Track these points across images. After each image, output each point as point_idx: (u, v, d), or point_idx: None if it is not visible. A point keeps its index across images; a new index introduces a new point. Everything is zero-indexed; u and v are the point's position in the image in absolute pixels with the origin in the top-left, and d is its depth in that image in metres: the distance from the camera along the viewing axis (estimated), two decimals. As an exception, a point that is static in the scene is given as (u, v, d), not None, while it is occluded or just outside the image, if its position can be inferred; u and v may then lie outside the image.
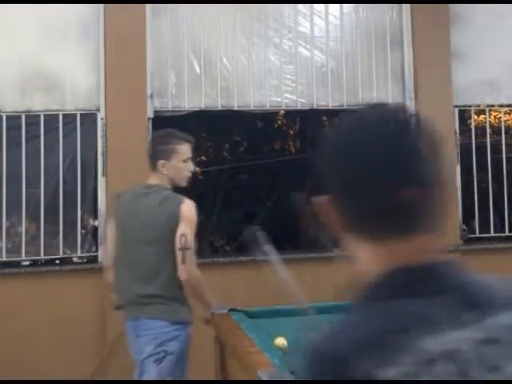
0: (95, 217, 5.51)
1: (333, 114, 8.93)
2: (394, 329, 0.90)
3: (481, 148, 6.10)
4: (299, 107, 5.87)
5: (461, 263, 1.02)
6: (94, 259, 5.41)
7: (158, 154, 3.65)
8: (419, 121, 1.13)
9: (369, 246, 1.00)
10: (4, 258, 5.34)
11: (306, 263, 5.72)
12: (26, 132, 5.40)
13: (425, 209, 1.01)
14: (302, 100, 5.81)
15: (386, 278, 0.98)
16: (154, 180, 3.66)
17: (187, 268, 3.46)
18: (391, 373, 0.80)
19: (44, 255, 5.38)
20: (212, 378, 3.65)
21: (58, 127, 5.43)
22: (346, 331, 0.95)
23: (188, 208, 3.52)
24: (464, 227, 5.90)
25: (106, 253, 3.89)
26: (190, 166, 3.74)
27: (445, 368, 0.77)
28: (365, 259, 1.02)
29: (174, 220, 3.46)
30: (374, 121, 1.06)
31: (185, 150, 3.69)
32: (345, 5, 5.93)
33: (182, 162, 3.67)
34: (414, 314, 0.93)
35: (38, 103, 5.42)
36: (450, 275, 0.99)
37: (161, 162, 3.62)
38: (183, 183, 3.74)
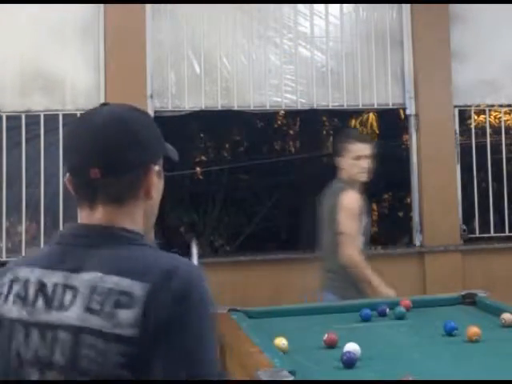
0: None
1: (333, 113, 8.98)
2: (22, 261, 1.42)
3: (481, 148, 6.10)
4: (299, 107, 5.87)
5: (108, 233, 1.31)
6: (94, 259, 5.41)
7: (335, 151, 4.27)
8: (112, 117, 1.37)
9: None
10: (4, 258, 5.34)
11: (305, 263, 5.71)
12: (26, 132, 5.40)
13: (102, 187, 1.31)
14: (302, 100, 5.81)
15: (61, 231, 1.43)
16: (339, 175, 4.18)
17: (342, 252, 3.91)
18: None
19: (44, 255, 5.38)
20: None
21: (58, 127, 5.43)
22: None
23: (345, 197, 3.99)
24: (464, 227, 5.90)
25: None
26: (363, 164, 4.04)
27: (17, 286, 1.29)
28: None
29: (335, 208, 3.98)
30: (80, 117, 1.47)
31: (355, 148, 4.05)
32: (345, 5, 5.93)
33: (353, 159, 4.03)
34: (40, 253, 1.39)
35: (38, 103, 5.42)
36: (80, 234, 1.34)
37: (338, 158, 4.15)
38: (359, 179, 4.09)
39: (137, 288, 1.19)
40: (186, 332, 1.18)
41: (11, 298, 1.30)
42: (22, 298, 1.28)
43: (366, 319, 3.54)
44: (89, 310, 1.20)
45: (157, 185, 1.38)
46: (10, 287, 1.31)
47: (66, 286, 1.25)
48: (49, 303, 1.25)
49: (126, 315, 1.17)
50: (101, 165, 1.30)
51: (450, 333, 3.14)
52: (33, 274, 1.30)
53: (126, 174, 1.32)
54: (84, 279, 1.23)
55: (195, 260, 2.04)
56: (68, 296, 1.24)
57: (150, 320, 1.17)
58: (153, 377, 1.16)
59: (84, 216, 1.36)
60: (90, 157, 1.31)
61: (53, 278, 1.27)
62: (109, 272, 1.22)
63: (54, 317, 1.23)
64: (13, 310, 1.28)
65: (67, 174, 1.36)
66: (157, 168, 1.38)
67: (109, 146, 1.31)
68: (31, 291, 1.28)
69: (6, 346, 1.27)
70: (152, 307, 1.17)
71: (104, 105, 1.43)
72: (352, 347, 2.78)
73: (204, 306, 1.23)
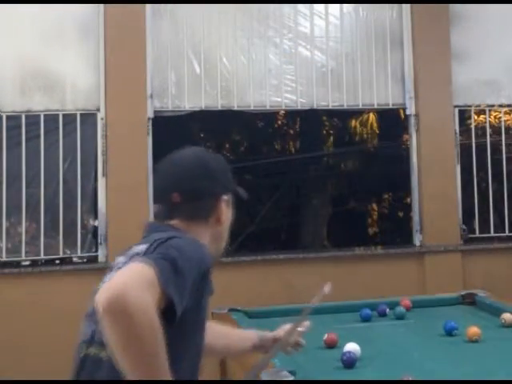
0: (95, 217, 5.51)
1: (333, 114, 8.98)
2: None
3: (481, 148, 6.09)
4: (299, 107, 5.87)
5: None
6: (94, 259, 5.41)
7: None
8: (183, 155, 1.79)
9: None
10: (4, 258, 5.33)
11: (306, 263, 5.72)
12: (26, 132, 5.39)
13: (181, 209, 1.69)
14: (302, 100, 5.81)
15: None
16: None
17: None
18: None
19: (44, 255, 5.38)
20: (212, 378, 3.64)
21: (58, 127, 5.43)
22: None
23: None
24: (464, 227, 5.90)
25: None
26: None
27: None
28: None
29: None
30: (169, 156, 1.82)
31: None
32: (345, 5, 5.93)
33: None
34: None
35: (38, 103, 5.42)
36: (150, 226, 1.74)
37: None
38: None
39: (143, 248, 1.57)
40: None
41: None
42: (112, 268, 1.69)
43: (366, 319, 3.55)
44: (123, 257, 1.65)
45: (226, 213, 1.75)
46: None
47: (130, 254, 1.63)
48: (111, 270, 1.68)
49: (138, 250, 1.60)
50: (181, 191, 1.68)
51: (449, 333, 3.14)
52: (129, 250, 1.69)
53: (200, 200, 1.70)
54: (132, 250, 1.64)
55: (317, 299, 2.10)
56: (121, 262, 1.64)
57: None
58: None
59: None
60: (174, 184, 1.70)
61: (121, 257, 1.67)
62: (143, 243, 1.61)
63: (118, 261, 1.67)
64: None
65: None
66: (226, 198, 1.75)
67: (188, 178, 1.70)
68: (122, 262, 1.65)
69: None
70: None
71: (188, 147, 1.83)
72: (352, 347, 2.79)
73: (181, 247, 1.52)
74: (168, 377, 1.41)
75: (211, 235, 1.73)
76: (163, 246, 1.52)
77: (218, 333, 2.08)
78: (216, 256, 1.79)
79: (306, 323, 2.14)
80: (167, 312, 1.44)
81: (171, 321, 1.44)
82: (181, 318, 1.47)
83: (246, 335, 2.18)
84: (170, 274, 1.43)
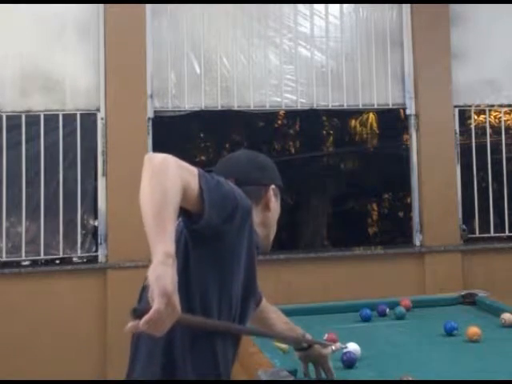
0: (95, 217, 5.51)
1: (333, 113, 8.97)
2: None
3: (481, 148, 6.10)
4: (299, 107, 5.87)
5: None
6: (94, 259, 5.41)
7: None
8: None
9: None
10: (4, 258, 5.34)
11: (305, 263, 5.72)
12: (26, 132, 5.40)
13: None
14: (302, 100, 5.81)
15: None
16: None
17: None
18: None
19: (44, 255, 5.38)
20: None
21: (58, 127, 5.43)
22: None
23: None
24: (464, 227, 5.90)
25: None
26: None
27: None
28: None
29: None
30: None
31: None
32: (345, 5, 5.93)
33: None
34: None
35: (38, 103, 5.42)
36: None
37: None
38: None
39: None
40: None
41: None
42: None
43: (366, 319, 3.54)
44: None
45: (274, 202, 1.94)
46: None
47: None
48: None
49: None
50: (236, 176, 1.86)
51: (450, 332, 3.14)
52: None
53: (252, 185, 1.90)
54: None
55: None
56: None
57: None
58: None
59: None
60: (229, 172, 1.87)
61: None
62: None
63: None
64: None
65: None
66: (274, 188, 1.95)
67: (242, 167, 1.94)
68: None
69: None
70: None
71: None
72: (352, 347, 2.78)
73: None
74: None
75: (260, 219, 1.90)
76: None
77: (277, 313, 2.40)
78: (264, 243, 1.95)
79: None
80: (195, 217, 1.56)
81: (195, 223, 1.56)
82: (213, 240, 1.61)
83: (294, 327, 2.41)
84: (211, 185, 1.58)
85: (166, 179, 1.46)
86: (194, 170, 1.57)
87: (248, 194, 1.78)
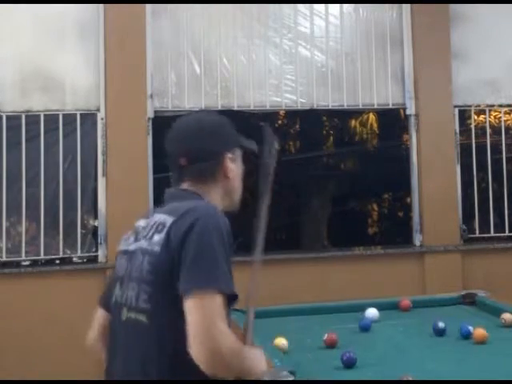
0: (95, 217, 5.51)
1: (333, 113, 8.97)
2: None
3: (481, 148, 6.09)
4: (299, 107, 5.87)
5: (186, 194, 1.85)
6: (94, 259, 5.41)
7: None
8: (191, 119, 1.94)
9: None
10: (4, 258, 5.34)
11: (305, 263, 5.72)
12: (26, 132, 5.40)
13: (189, 171, 1.83)
14: (302, 100, 5.81)
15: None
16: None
17: None
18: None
19: (44, 255, 5.38)
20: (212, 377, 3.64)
21: (58, 127, 5.43)
22: None
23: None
24: (464, 227, 5.90)
25: None
26: None
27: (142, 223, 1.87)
28: None
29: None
30: (177, 120, 1.94)
31: None
32: (345, 5, 5.93)
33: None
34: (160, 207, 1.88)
35: (38, 103, 5.42)
36: (169, 193, 1.87)
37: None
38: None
39: (168, 220, 1.72)
40: (189, 246, 1.64)
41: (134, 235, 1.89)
42: (126, 239, 1.90)
43: (365, 329, 3.39)
44: (145, 237, 1.78)
45: (233, 168, 1.88)
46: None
47: (147, 225, 1.82)
48: (136, 237, 1.83)
49: (156, 238, 1.72)
50: (187, 154, 1.83)
51: (465, 337, 3.08)
52: (137, 223, 1.89)
53: (205, 161, 1.83)
54: (152, 219, 1.81)
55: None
56: (145, 231, 1.81)
57: (168, 240, 1.68)
58: (169, 283, 1.65)
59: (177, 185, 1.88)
60: (179, 149, 1.84)
61: (142, 222, 1.86)
62: (163, 213, 1.78)
63: (136, 245, 1.82)
64: (120, 245, 1.91)
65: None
66: (230, 155, 1.87)
67: (192, 141, 1.83)
68: (130, 233, 1.89)
69: (114, 272, 1.89)
70: (170, 231, 1.69)
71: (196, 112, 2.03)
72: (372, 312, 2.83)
73: (205, 232, 1.66)
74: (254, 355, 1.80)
75: (223, 190, 1.88)
76: (200, 244, 1.65)
77: None
78: (232, 208, 1.95)
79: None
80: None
81: (233, 301, 1.73)
82: None
83: None
84: (226, 275, 1.68)
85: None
86: (222, 307, 1.65)
87: (202, 172, 1.82)
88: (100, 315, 1.94)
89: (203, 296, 1.59)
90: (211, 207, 1.76)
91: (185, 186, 1.86)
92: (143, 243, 1.76)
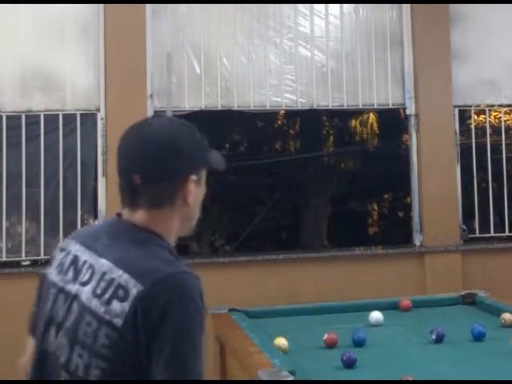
0: (95, 217, 5.51)
1: (333, 113, 8.97)
2: (74, 234, 1.74)
3: (481, 148, 6.09)
4: (299, 107, 5.87)
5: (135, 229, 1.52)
6: (94, 259, 5.41)
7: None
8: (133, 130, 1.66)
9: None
10: (4, 258, 5.34)
11: (306, 263, 5.72)
12: (26, 132, 5.39)
13: (143, 192, 1.50)
14: (302, 100, 5.81)
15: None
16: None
17: None
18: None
19: (44, 255, 5.37)
20: (212, 378, 3.65)
21: (58, 127, 5.43)
22: None
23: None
24: (464, 227, 5.90)
25: None
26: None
27: (61, 255, 1.59)
28: None
29: None
30: (133, 125, 1.69)
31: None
32: (345, 5, 5.92)
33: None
34: (85, 231, 1.75)
35: (38, 103, 5.42)
36: (115, 227, 1.56)
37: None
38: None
39: (132, 286, 1.40)
40: (163, 338, 1.36)
41: (56, 263, 1.60)
42: (61, 265, 1.58)
43: (358, 343, 3.10)
44: (94, 293, 1.45)
45: (194, 193, 1.54)
46: (58, 255, 1.62)
47: (90, 266, 1.50)
48: (76, 276, 1.52)
49: (117, 307, 1.40)
50: (142, 172, 1.50)
51: (478, 338, 3.06)
52: (74, 248, 1.60)
53: (164, 182, 1.51)
54: (101, 264, 1.48)
55: None
56: (88, 274, 1.49)
57: (134, 316, 1.38)
58: (136, 367, 1.39)
59: (126, 213, 1.55)
60: (134, 164, 1.53)
61: (84, 256, 1.54)
62: (118, 265, 1.45)
63: (76, 288, 1.50)
64: (53, 274, 1.58)
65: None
66: (194, 178, 1.54)
67: (151, 157, 1.51)
68: (68, 262, 1.57)
69: (44, 301, 1.57)
70: (138, 306, 1.38)
71: (157, 117, 1.76)
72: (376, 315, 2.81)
73: (185, 318, 1.38)
74: None
75: (180, 217, 1.55)
76: (180, 335, 1.38)
77: None
78: (186, 234, 1.63)
79: None
80: None
81: None
82: None
83: None
84: (202, 365, 1.41)
85: None
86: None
87: (159, 194, 1.51)
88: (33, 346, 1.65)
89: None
90: (187, 278, 1.44)
91: (137, 217, 1.52)
92: (93, 302, 1.44)
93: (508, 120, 7.03)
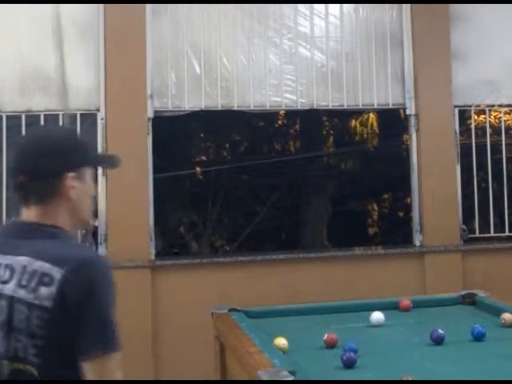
0: (95, 217, 5.51)
1: (333, 113, 8.97)
2: None
3: (481, 148, 6.10)
4: (299, 107, 5.87)
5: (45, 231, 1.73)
6: (94, 259, 5.40)
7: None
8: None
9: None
10: (4, 258, 5.33)
11: (306, 263, 5.72)
12: (26, 132, 5.39)
13: (30, 190, 1.74)
14: (302, 100, 5.81)
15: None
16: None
17: None
18: None
19: (44, 255, 5.37)
20: (212, 378, 3.65)
21: (58, 127, 5.43)
22: None
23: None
24: (464, 227, 5.90)
25: None
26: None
27: None
28: None
29: None
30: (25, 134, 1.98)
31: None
32: (345, 5, 5.93)
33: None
34: None
35: (38, 103, 5.42)
36: (19, 228, 1.77)
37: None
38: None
39: (55, 272, 1.63)
40: (92, 309, 1.62)
41: None
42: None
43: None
44: (19, 285, 1.66)
45: (77, 188, 1.76)
46: None
47: (7, 266, 1.70)
48: (18, 282, 1.68)
49: (45, 291, 1.62)
50: (25, 171, 1.74)
51: (478, 338, 3.06)
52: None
53: (45, 179, 1.74)
54: (19, 260, 1.68)
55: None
56: (7, 273, 1.69)
57: (63, 297, 1.61)
58: (65, 338, 1.62)
59: (23, 213, 1.78)
60: (20, 164, 1.77)
61: (1, 260, 1.72)
62: (37, 257, 1.66)
63: (20, 293, 1.66)
64: None
65: None
66: (72, 175, 1.75)
67: (31, 157, 1.75)
68: None
69: None
70: (65, 287, 1.62)
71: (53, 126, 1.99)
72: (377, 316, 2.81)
73: (105, 292, 1.65)
74: None
75: (68, 211, 1.78)
76: (102, 309, 1.65)
77: None
78: (82, 227, 1.94)
79: None
80: None
81: None
82: None
83: None
84: (118, 333, 1.65)
85: None
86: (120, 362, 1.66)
87: (42, 190, 1.73)
88: None
89: (107, 358, 1.64)
90: (98, 260, 1.72)
91: (31, 213, 1.76)
92: (21, 292, 1.66)
93: (508, 120, 7.04)
